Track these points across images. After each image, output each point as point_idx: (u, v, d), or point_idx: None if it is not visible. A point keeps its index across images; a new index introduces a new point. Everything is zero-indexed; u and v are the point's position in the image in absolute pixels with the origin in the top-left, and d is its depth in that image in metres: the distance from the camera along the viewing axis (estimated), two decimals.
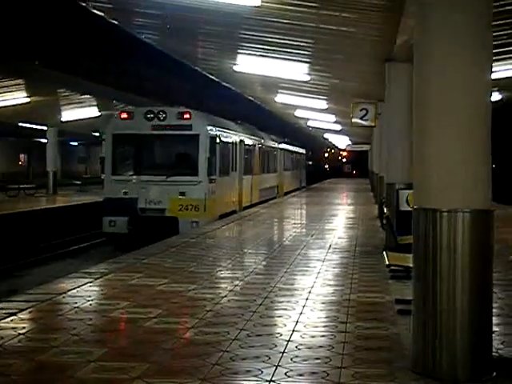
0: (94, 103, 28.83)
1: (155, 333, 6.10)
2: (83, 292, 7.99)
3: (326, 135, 47.66)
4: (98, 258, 16.33)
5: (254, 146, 27.35)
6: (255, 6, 9.37)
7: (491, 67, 4.97)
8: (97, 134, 39.94)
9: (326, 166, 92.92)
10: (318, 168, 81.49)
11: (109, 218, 18.19)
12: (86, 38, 24.30)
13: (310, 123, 33.99)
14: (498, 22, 9.72)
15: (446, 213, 4.82)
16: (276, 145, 34.40)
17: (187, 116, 18.75)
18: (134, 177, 18.68)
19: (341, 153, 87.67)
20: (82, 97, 26.68)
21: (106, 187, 18.97)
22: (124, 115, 19.07)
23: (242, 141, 24.21)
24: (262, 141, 29.86)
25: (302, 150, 49.63)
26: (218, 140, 19.69)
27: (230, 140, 22.08)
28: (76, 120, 31.17)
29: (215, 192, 19.15)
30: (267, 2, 9.41)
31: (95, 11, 11.75)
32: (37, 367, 5.12)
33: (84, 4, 11.31)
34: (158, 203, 18.27)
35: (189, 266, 10.14)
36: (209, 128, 19.22)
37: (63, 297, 7.74)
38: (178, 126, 18.67)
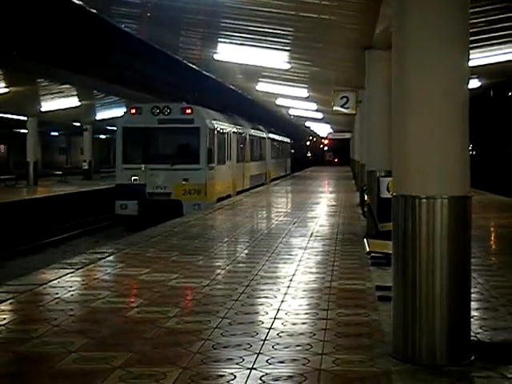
0: (74, 93, 28.62)
1: (137, 322, 6.11)
2: (64, 283, 7.96)
3: (308, 123, 47.74)
4: (82, 249, 16.30)
5: (245, 136, 29.69)
6: None
7: (469, 55, 4.99)
8: (77, 124, 39.77)
9: (308, 155, 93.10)
10: (301, 156, 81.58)
11: (120, 202, 20.63)
12: (65, 27, 24.07)
13: (291, 111, 34.04)
14: (476, 10, 9.77)
15: (424, 199, 4.86)
16: (264, 134, 36.76)
17: (189, 111, 21.14)
18: (143, 165, 20.85)
19: (322, 141, 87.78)
20: (62, 87, 26.47)
21: (118, 174, 21.43)
22: (133, 110, 21.39)
23: (234, 132, 26.66)
24: (252, 131, 32.12)
25: (288, 140, 52.59)
26: (215, 132, 22.36)
27: (225, 131, 24.52)
28: (56, 110, 30.93)
29: (214, 178, 21.83)
30: None
31: (74, 0, 11.65)
32: (17, 358, 5.11)
33: None
34: (164, 188, 20.66)
35: (171, 255, 10.13)
36: (208, 121, 21.69)
37: (44, 288, 7.71)
38: (180, 119, 21.08)
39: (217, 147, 22.55)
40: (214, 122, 22.71)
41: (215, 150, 22.25)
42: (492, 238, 13.05)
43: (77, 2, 11.74)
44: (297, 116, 38.12)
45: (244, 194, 25.47)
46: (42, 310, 6.66)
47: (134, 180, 20.70)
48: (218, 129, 23.13)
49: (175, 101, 23.17)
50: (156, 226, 14.28)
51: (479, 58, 13.69)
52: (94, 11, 12.97)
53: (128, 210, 20.50)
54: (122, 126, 21.54)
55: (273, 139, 40.89)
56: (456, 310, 4.89)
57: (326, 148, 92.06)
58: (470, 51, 4.96)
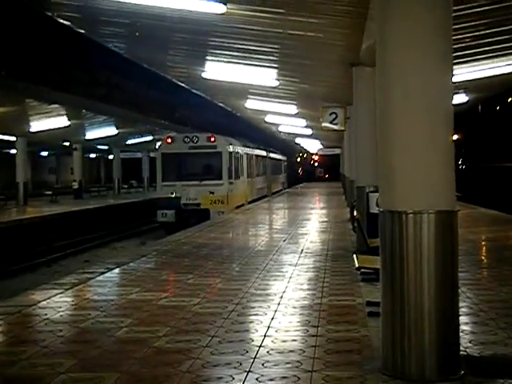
0: (63, 112, 28.61)
1: (126, 342, 6.08)
2: (53, 303, 7.92)
3: (298, 140, 47.86)
4: (72, 269, 16.22)
5: (251, 156, 35.37)
6: (221, 13, 9.39)
7: (452, 69, 5.03)
8: (67, 144, 39.73)
9: (299, 171, 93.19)
10: (292, 173, 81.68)
11: (161, 211, 25.70)
12: (53, 47, 24.10)
13: (281, 128, 34.13)
14: (462, 25, 9.87)
15: (411, 214, 4.88)
16: (265, 153, 42.64)
17: (213, 139, 27.05)
18: (177, 182, 26.24)
19: (313, 157, 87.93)
20: (51, 106, 26.46)
21: (158, 190, 27.01)
22: (169, 140, 27.21)
23: (245, 153, 32.51)
24: (256, 151, 37.73)
25: (284, 157, 58.90)
26: (232, 154, 28.07)
27: (238, 153, 30.24)
28: (45, 130, 30.90)
29: (232, 191, 27.42)
30: (233, 9, 9.44)
31: (61, 20, 11.68)
32: (5, 381, 5.07)
33: (49, 14, 11.23)
34: (194, 200, 25.99)
35: (160, 274, 10.11)
36: (227, 146, 27.50)
37: (33, 309, 7.67)
38: (206, 146, 26.79)
39: (234, 166, 28.25)
40: (230, 146, 28.18)
41: (233, 169, 27.90)
42: (481, 252, 13.08)
43: (65, 22, 11.75)
44: (287, 133, 38.34)
45: (235, 212, 25.52)
46: (31, 332, 6.63)
47: (171, 194, 25.87)
48: (234, 151, 28.74)
49: (202, 131, 29.07)
50: (146, 245, 14.24)
51: (466, 72, 13.81)
52: (82, 31, 12.99)
53: (167, 218, 25.53)
54: (161, 153, 27.11)
55: (272, 158, 46.92)
56: (445, 325, 4.89)
57: (316, 164, 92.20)
58: (457, 66, 5.02)
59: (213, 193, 26.15)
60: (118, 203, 35.77)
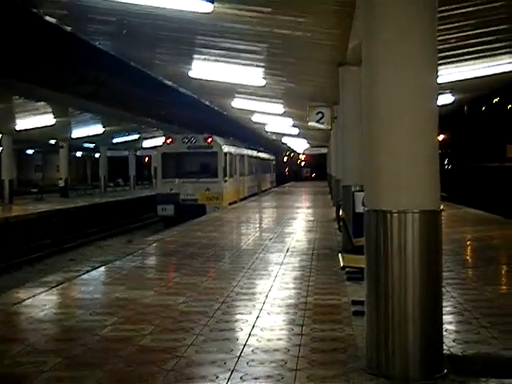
0: (50, 110, 28.46)
1: (110, 340, 6.07)
2: (38, 302, 7.89)
3: (284, 139, 47.85)
4: (58, 267, 16.16)
5: (243, 155, 37.52)
6: (208, 12, 9.38)
7: (437, 70, 5.06)
8: (53, 142, 39.54)
9: (286, 170, 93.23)
10: (279, 172, 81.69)
11: (161, 206, 28.01)
12: (41, 44, 23.97)
13: (267, 128, 34.14)
14: (448, 26, 9.91)
15: (395, 214, 4.90)
16: (255, 153, 44.77)
17: (209, 140, 29.06)
18: (176, 179, 28.36)
19: (299, 156, 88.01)
20: (37, 104, 26.32)
21: (158, 186, 29.11)
22: (168, 140, 29.38)
23: (237, 153, 34.51)
24: (247, 152, 39.90)
25: (273, 157, 60.70)
26: (226, 154, 29.96)
27: (232, 153, 32.21)
28: (31, 128, 30.73)
29: (227, 188, 29.62)
30: (220, 8, 9.43)
31: (47, 18, 11.62)
32: None
33: (35, 11, 11.17)
34: (192, 195, 28.13)
35: (146, 272, 10.10)
36: (222, 147, 29.40)
37: (18, 307, 7.64)
38: (203, 146, 28.90)
39: (228, 165, 30.25)
40: (225, 146, 30.19)
41: (227, 168, 29.92)
42: (466, 251, 13.15)
43: (50, 20, 11.69)
44: (273, 132, 38.41)
45: (221, 211, 25.53)
46: (15, 330, 6.61)
47: (170, 190, 28.13)
48: (228, 152, 30.72)
49: (199, 133, 30.87)
50: (133, 243, 14.21)
51: (452, 73, 13.86)
52: (69, 29, 12.92)
53: (167, 212, 27.79)
54: (161, 152, 29.37)
55: (262, 158, 49.09)
56: (428, 324, 4.92)
57: (303, 163, 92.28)
58: (443, 67, 5.06)
59: (209, 189, 28.30)
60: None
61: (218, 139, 30.00)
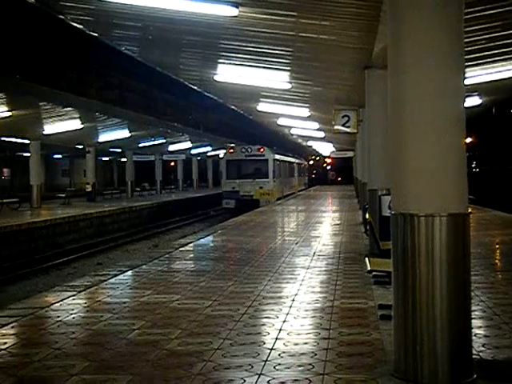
0: (77, 116, 28.72)
1: (138, 344, 6.09)
2: (66, 305, 7.96)
3: (310, 142, 47.81)
4: (85, 271, 16.26)
5: (285, 161, 46.01)
6: (233, 16, 9.40)
7: (464, 73, 5.02)
8: (80, 147, 39.87)
9: (312, 174, 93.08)
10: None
11: (225, 200, 36.75)
12: (67, 50, 24.21)
13: (293, 131, 34.16)
14: (476, 27, 9.83)
15: (423, 217, 4.86)
16: (293, 159, 52.63)
17: (262, 150, 37.76)
18: (237, 180, 36.87)
19: (325, 160, 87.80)
20: (64, 110, 26.57)
21: (223, 185, 37.57)
22: (231, 150, 38.14)
23: (282, 160, 43.26)
24: (288, 158, 48.39)
25: (305, 162, 70.43)
26: (274, 160, 38.33)
27: (278, 159, 40.37)
28: (58, 133, 31.02)
29: (275, 186, 38.17)
30: (245, 12, 9.45)
31: (73, 24, 11.73)
32: (18, 382, 5.10)
33: (62, 17, 11.28)
34: (249, 192, 36.53)
35: (173, 276, 10.13)
36: (272, 155, 38.08)
37: (46, 311, 7.71)
38: (257, 154, 37.63)
39: (276, 169, 38.68)
40: (273, 155, 38.57)
41: (276, 171, 38.32)
42: (495, 255, 13.00)
43: (77, 25, 11.80)
44: (299, 135, 38.51)
45: (246, 214, 25.54)
46: (44, 334, 6.66)
47: (233, 188, 36.54)
48: (275, 158, 38.89)
49: (254, 145, 38.84)
50: (160, 248, 14.24)
51: (480, 75, 13.74)
52: (95, 35, 13.03)
53: (230, 205, 36.20)
54: (225, 159, 38.00)
55: (297, 163, 57.04)
56: (457, 328, 4.87)
57: (329, 167, 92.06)
58: (471, 69, 5.02)
59: (262, 188, 36.66)
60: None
61: (268, 149, 38.51)
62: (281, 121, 26.83)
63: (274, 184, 37.74)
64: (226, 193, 36.77)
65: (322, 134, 32.63)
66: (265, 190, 36.63)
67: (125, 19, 11.39)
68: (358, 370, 5.18)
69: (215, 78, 15.49)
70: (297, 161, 56.64)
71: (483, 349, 5.70)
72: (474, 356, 5.11)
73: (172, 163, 66.80)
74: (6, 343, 6.22)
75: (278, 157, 40.62)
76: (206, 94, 22.13)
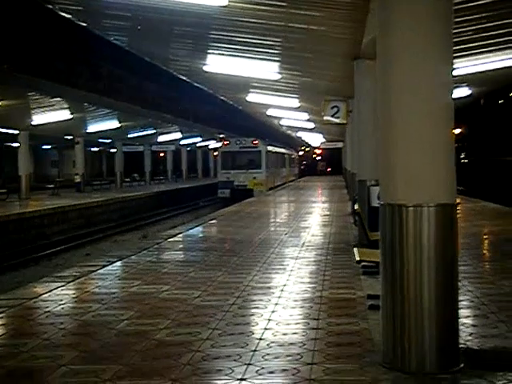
0: (66, 106, 28.59)
1: (127, 335, 6.09)
2: (55, 296, 7.94)
3: (300, 133, 47.81)
4: (74, 262, 16.23)
5: (277, 153, 48.02)
6: (222, 6, 9.38)
7: (453, 63, 5.02)
8: (69, 137, 39.71)
9: (301, 165, 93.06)
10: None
11: (221, 190, 38.37)
12: (55, 40, 24.04)
13: (282, 122, 34.12)
14: (464, 18, 9.84)
15: (411, 207, 4.87)
16: (284, 150, 55.00)
17: (256, 142, 39.57)
18: (232, 171, 38.61)
19: (315, 151, 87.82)
20: (53, 100, 26.44)
21: (219, 176, 39.74)
22: (226, 142, 39.92)
23: (274, 151, 45.33)
24: (280, 150, 50.61)
25: (296, 153, 72.31)
26: (267, 152, 40.53)
27: (270, 151, 42.43)
28: (47, 123, 30.87)
29: (268, 177, 40.39)
30: (234, 2, 9.42)
31: (62, 13, 11.66)
32: (6, 373, 5.09)
33: (50, 6, 11.22)
34: (243, 182, 38.06)
35: (162, 267, 10.13)
36: (264, 147, 40.18)
37: (34, 301, 7.69)
38: (251, 146, 39.36)
39: (269, 160, 40.81)
40: (266, 147, 40.79)
41: (268, 162, 40.37)
42: (483, 245, 13.08)
43: (66, 15, 11.74)
44: (289, 126, 38.53)
45: (237, 205, 25.55)
46: (32, 324, 6.64)
47: (227, 178, 38.17)
48: (267, 150, 41.01)
49: (248, 137, 40.75)
50: (148, 239, 14.23)
51: (468, 66, 13.77)
52: (84, 24, 12.97)
53: (225, 194, 37.69)
54: (221, 151, 40.04)
55: (289, 154, 59.18)
56: (444, 318, 4.90)
57: (318, 158, 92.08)
58: (459, 60, 5.03)
59: (255, 178, 38.40)
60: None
61: (261, 141, 40.58)
62: (270, 111, 26.81)
63: (267, 174, 39.86)
64: (221, 183, 38.62)
65: (311, 125, 32.64)
66: (258, 180, 38.37)
67: (114, 9, 11.33)
68: (347, 360, 5.21)
69: (205, 68, 15.44)
70: (288, 152, 58.57)
71: (470, 338, 5.73)
72: (461, 345, 5.15)
73: (161, 154, 66.67)
74: None
75: (270, 148, 42.75)
76: (195, 84, 22.10)
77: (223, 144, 40.02)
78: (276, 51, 13.53)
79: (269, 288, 8.27)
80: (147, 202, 37.35)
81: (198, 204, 42.64)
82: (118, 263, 10.64)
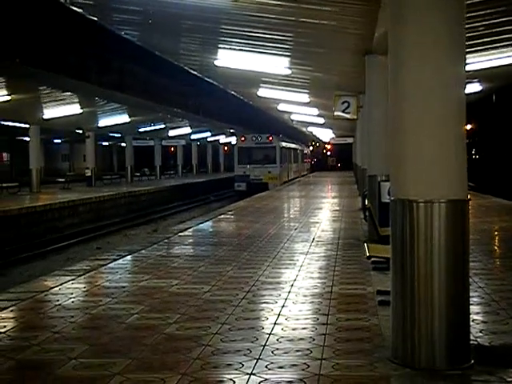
0: (76, 100, 28.65)
1: (136, 329, 6.11)
2: (65, 290, 7.98)
3: (310, 128, 47.79)
4: (84, 255, 16.29)
5: (291, 148, 50.01)
6: (233, 1, 9.37)
7: (465, 58, 5.00)
8: (80, 131, 39.81)
9: (312, 160, 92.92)
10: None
11: (237, 183, 40.36)
12: (67, 35, 24.08)
13: (293, 117, 34.08)
14: (476, 13, 9.79)
15: (422, 203, 4.86)
16: (298, 146, 57.30)
17: (271, 138, 41.65)
18: (248, 165, 40.58)
19: (325, 146, 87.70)
20: (64, 94, 26.50)
21: (236, 170, 41.25)
22: (242, 138, 41.64)
23: (288, 147, 47.58)
24: (293, 145, 52.48)
25: (308, 149, 75.19)
26: (282, 148, 42.77)
27: (284, 147, 44.63)
28: (58, 117, 30.95)
29: (282, 171, 42.82)
30: None
31: (73, 7, 11.68)
32: (17, 366, 5.12)
33: (62, 1, 11.23)
34: (258, 176, 40.30)
35: (172, 261, 10.15)
36: (279, 143, 42.40)
37: (45, 295, 7.73)
38: (266, 142, 41.40)
39: (283, 155, 43.15)
40: (281, 142, 43.15)
41: (282, 157, 42.64)
42: (493, 241, 13.02)
43: (77, 9, 11.75)
44: (299, 121, 38.55)
45: (246, 200, 25.56)
46: (43, 317, 6.67)
47: (244, 172, 40.24)
48: (282, 146, 43.19)
49: (263, 133, 42.47)
50: (159, 233, 14.27)
51: (480, 61, 13.69)
52: (95, 19, 12.98)
53: (241, 188, 39.58)
54: (237, 147, 41.72)
55: (301, 149, 61.47)
56: (455, 314, 4.88)
57: (328, 153, 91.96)
58: (471, 55, 5.00)
59: (270, 172, 40.62)
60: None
61: (276, 137, 42.83)
62: (281, 106, 26.78)
63: (281, 169, 42.20)
64: (238, 177, 40.72)
65: (321, 120, 32.59)
66: (273, 174, 40.61)
67: (125, 3, 11.34)
68: (356, 355, 5.20)
69: (215, 63, 15.43)
70: (300, 147, 60.69)
71: (481, 334, 5.72)
72: (471, 342, 5.13)
73: (172, 148, 66.73)
74: (5, 327, 6.25)
75: (284, 144, 44.84)
76: (206, 79, 22.07)
77: (240, 140, 41.75)
78: (287, 46, 13.49)
79: (278, 283, 8.27)
80: (157, 197, 37.44)
81: (209, 199, 42.85)
82: (129, 257, 10.67)
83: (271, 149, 41.22)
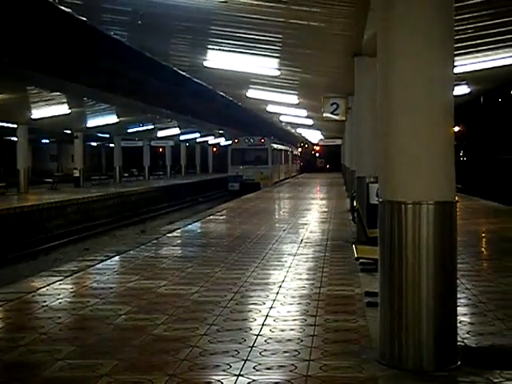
0: (65, 100, 28.53)
1: (124, 330, 6.09)
2: (53, 290, 7.94)
3: (299, 130, 47.85)
4: (73, 256, 16.21)
5: (281, 150, 51.60)
6: (222, 1, 9.36)
7: (453, 60, 5.01)
8: (68, 132, 39.65)
9: (300, 161, 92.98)
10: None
11: (231, 183, 42.07)
12: (56, 35, 24.00)
13: (282, 118, 34.11)
14: (464, 16, 9.82)
15: (410, 205, 4.87)
16: (288, 148, 58.66)
17: (263, 140, 43.52)
18: (241, 166, 42.38)
19: (314, 147, 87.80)
20: (52, 94, 26.39)
21: (229, 170, 43.07)
22: (236, 140, 43.62)
23: (279, 148, 49.08)
24: (284, 147, 54.23)
25: (297, 150, 76.61)
26: (273, 149, 44.60)
27: (275, 148, 46.37)
28: (47, 118, 30.81)
29: (273, 172, 44.53)
30: None
31: (62, 7, 11.63)
32: (3, 367, 5.09)
33: (50, 0, 11.19)
34: (251, 177, 41.78)
35: (160, 262, 10.13)
36: (270, 144, 44.10)
37: (32, 295, 7.69)
38: (258, 144, 43.28)
39: (274, 156, 44.93)
40: (272, 144, 44.88)
41: (273, 158, 44.48)
42: (481, 243, 13.08)
43: (66, 9, 11.70)
44: (288, 122, 38.58)
45: (235, 201, 25.56)
46: (30, 318, 6.64)
47: (237, 173, 41.92)
48: (273, 147, 45.20)
49: (254, 135, 45.10)
50: (146, 234, 14.23)
51: (468, 64, 13.75)
52: (83, 19, 12.93)
53: (234, 188, 41.16)
54: (231, 148, 43.79)
55: (290, 151, 62.28)
56: (442, 316, 4.90)
57: (317, 154, 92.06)
58: (459, 57, 5.02)
59: (262, 173, 42.17)
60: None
61: (268, 139, 44.69)
62: (270, 108, 26.78)
63: (273, 170, 44.17)
64: (231, 177, 42.59)
65: (310, 122, 32.63)
66: (264, 174, 42.38)
67: (114, 3, 11.29)
68: (344, 357, 5.21)
69: (205, 63, 15.41)
70: (290, 149, 62.80)
71: (468, 336, 5.74)
72: (458, 343, 5.15)
73: (160, 149, 66.58)
74: None
75: (275, 146, 46.90)
76: (195, 80, 22.05)
77: (233, 142, 43.81)
78: (276, 47, 13.50)
79: (267, 284, 8.27)
80: (146, 197, 37.38)
81: (197, 200, 42.78)
82: (116, 258, 10.64)
83: (263, 150, 43.04)
